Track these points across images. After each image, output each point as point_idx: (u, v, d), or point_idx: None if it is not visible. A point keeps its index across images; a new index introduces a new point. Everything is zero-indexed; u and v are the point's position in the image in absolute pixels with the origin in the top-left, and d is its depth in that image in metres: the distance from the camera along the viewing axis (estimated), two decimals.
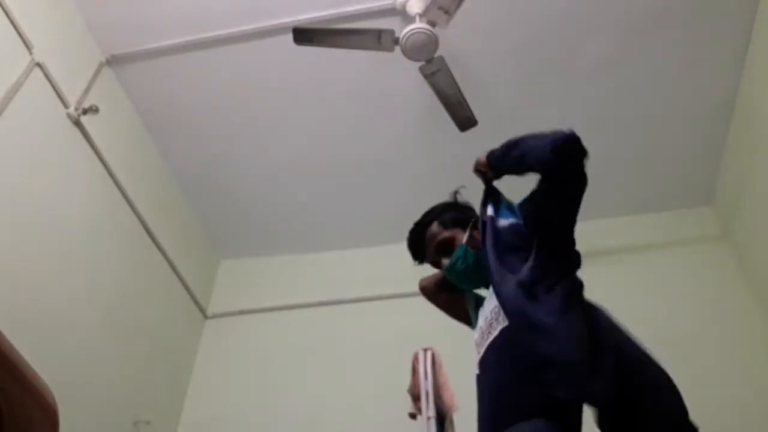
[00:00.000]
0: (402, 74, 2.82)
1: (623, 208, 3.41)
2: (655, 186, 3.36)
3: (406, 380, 2.05)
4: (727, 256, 3.18)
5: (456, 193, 1.82)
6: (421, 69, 2.63)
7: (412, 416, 2.18)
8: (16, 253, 2.24)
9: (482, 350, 1.50)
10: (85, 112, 2.67)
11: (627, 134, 3.16)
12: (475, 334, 1.59)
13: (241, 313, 3.53)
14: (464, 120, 2.76)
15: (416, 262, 1.80)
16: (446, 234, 1.70)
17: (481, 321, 1.55)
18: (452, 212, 1.75)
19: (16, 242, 2.25)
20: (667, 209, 3.40)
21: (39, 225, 2.38)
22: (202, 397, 3.25)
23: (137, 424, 2.77)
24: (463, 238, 1.67)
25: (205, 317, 3.56)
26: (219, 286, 3.73)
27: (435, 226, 1.72)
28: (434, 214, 1.76)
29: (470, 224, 1.71)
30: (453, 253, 1.66)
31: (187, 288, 3.39)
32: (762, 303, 2.93)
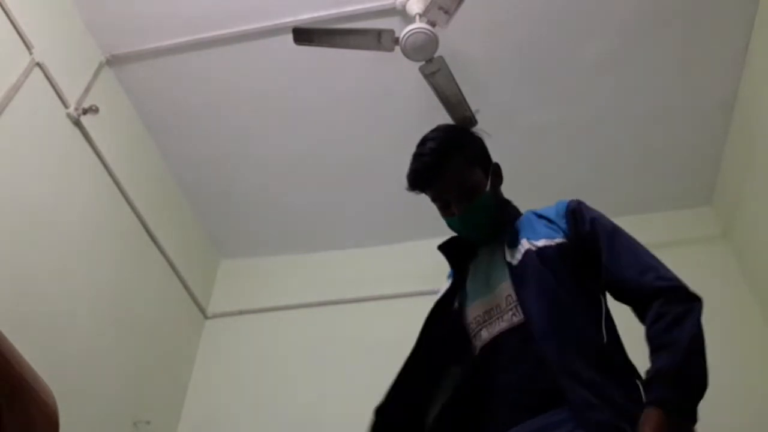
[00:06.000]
0: (402, 74, 2.82)
1: (623, 208, 3.39)
2: (654, 186, 3.36)
3: None
4: (727, 256, 3.18)
5: (473, 115, 1.61)
6: (421, 69, 2.63)
7: None
8: (16, 253, 2.25)
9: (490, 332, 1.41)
10: (85, 112, 2.68)
11: (627, 134, 3.16)
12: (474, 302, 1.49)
13: (241, 313, 3.53)
14: (464, 120, 2.76)
15: (415, 191, 1.58)
16: (472, 176, 1.49)
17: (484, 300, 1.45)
18: (474, 145, 1.55)
19: (15, 242, 2.25)
20: (667, 209, 3.39)
21: (39, 225, 2.38)
22: (202, 397, 3.24)
23: (137, 424, 2.77)
24: (487, 184, 1.50)
25: (205, 317, 3.56)
26: (219, 286, 3.73)
27: (459, 160, 1.48)
28: (456, 143, 1.52)
29: (491, 164, 1.55)
30: (476, 202, 1.47)
31: (187, 288, 3.39)
32: (762, 303, 2.93)
